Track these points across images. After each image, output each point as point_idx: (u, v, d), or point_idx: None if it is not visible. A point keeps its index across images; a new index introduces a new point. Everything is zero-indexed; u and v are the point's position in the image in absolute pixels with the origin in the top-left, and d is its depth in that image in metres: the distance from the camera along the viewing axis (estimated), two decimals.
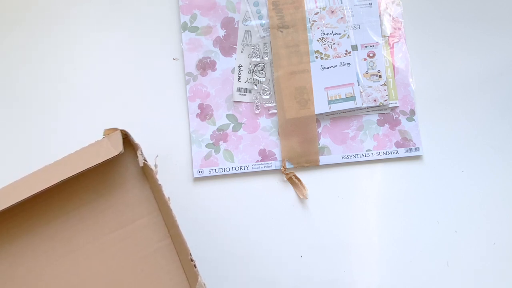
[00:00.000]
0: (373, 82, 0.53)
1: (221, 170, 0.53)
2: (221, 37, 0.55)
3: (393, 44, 0.54)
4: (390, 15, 0.54)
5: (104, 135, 0.43)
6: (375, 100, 0.53)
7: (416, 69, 0.55)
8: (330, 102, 0.53)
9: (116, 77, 0.55)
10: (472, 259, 0.52)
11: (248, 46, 0.55)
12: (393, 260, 0.52)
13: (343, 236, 0.52)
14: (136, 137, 0.54)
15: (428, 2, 0.56)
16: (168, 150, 0.54)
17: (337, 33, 0.54)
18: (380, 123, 0.54)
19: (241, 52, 0.55)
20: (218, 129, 0.54)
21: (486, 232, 0.52)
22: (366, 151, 0.53)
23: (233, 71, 0.55)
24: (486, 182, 0.53)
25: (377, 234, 0.52)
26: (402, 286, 0.52)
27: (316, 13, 0.54)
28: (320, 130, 0.54)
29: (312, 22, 0.54)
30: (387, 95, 0.53)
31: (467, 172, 0.54)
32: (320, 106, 0.53)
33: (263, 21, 0.55)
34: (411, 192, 0.53)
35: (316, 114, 0.53)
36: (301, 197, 0.53)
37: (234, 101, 0.55)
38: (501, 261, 0.52)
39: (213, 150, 0.54)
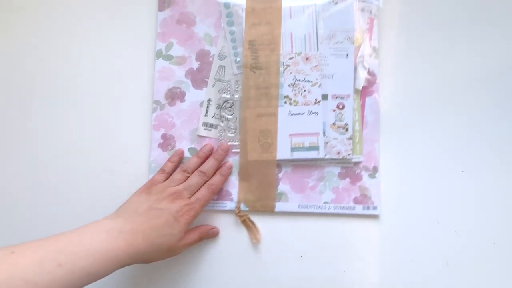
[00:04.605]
0: (339, 134, 0.53)
1: None
2: (195, 69, 0.55)
3: (365, 97, 0.54)
4: (365, 68, 0.53)
5: None
6: (338, 153, 0.52)
7: (416, 69, 0.54)
8: (293, 149, 0.52)
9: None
10: (472, 259, 0.52)
11: (220, 81, 0.55)
12: (393, 260, 0.52)
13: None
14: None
15: (428, 2, 0.55)
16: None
17: (309, 81, 0.53)
18: (341, 176, 0.53)
19: (212, 86, 0.55)
20: None
21: (486, 232, 0.52)
22: (324, 203, 0.53)
23: (201, 104, 0.54)
24: (486, 182, 0.53)
25: (377, 234, 0.52)
26: (402, 286, 0.51)
27: (291, 58, 0.53)
28: (280, 175, 0.53)
29: (285, 66, 0.53)
30: (351, 149, 0.52)
31: (467, 172, 0.53)
32: (283, 152, 0.52)
33: (238, 59, 0.54)
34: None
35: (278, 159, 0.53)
36: (254, 241, 0.52)
37: (198, 135, 0.54)
38: (501, 261, 0.52)
39: None
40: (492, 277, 0.51)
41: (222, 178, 0.51)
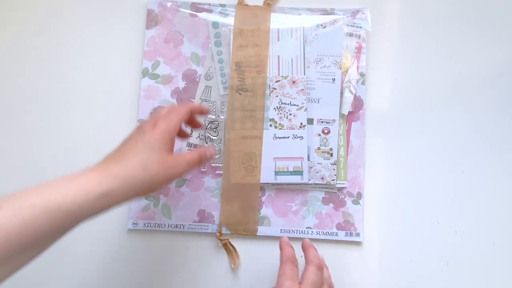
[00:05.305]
0: (324, 159, 0.52)
1: (156, 225, 0.52)
2: (180, 89, 0.54)
3: (351, 123, 0.53)
4: (352, 93, 0.53)
5: None
6: (322, 178, 0.52)
7: (417, 69, 0.55)
8: (277, 173, 0.52)
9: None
10: (472, 259, 0.52)
11: (206, 101, 0.54)
12: (393, 260, 0.52)
13: None
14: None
15: (428, 1, 0.55)
16: None
17: (294, 104, 0.53)
18: (325, 201, 0.53)
19: None
20: None
21: (486, 232, 0.52)
22: (306, 228, 0.52)
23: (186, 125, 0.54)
24: (486, 182, 0.53)
25: (377, 233, 0.52)
26: (402, 286, 0.51)
27: (278, 81, 0.53)
28: (263, 198, 0.53)
29: (272, 89, 0.53)
30: (335, 175, 0.52)
31: (467, 172, 0.53)
32: (266, 175, 0.52)
33: (225, 80, 0.54)
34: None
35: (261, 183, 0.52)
36: (233, 266, 0.51)
37: None
38: (501, 261, 0.52)
39: (152, 203, 0.52)
40: (492, 277, 0.52)
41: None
